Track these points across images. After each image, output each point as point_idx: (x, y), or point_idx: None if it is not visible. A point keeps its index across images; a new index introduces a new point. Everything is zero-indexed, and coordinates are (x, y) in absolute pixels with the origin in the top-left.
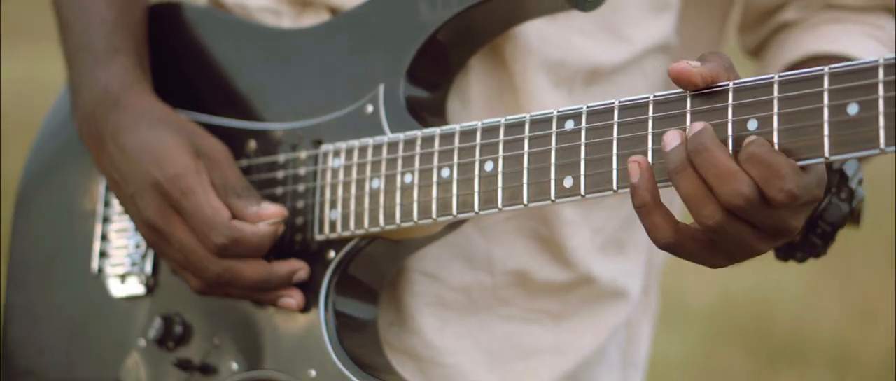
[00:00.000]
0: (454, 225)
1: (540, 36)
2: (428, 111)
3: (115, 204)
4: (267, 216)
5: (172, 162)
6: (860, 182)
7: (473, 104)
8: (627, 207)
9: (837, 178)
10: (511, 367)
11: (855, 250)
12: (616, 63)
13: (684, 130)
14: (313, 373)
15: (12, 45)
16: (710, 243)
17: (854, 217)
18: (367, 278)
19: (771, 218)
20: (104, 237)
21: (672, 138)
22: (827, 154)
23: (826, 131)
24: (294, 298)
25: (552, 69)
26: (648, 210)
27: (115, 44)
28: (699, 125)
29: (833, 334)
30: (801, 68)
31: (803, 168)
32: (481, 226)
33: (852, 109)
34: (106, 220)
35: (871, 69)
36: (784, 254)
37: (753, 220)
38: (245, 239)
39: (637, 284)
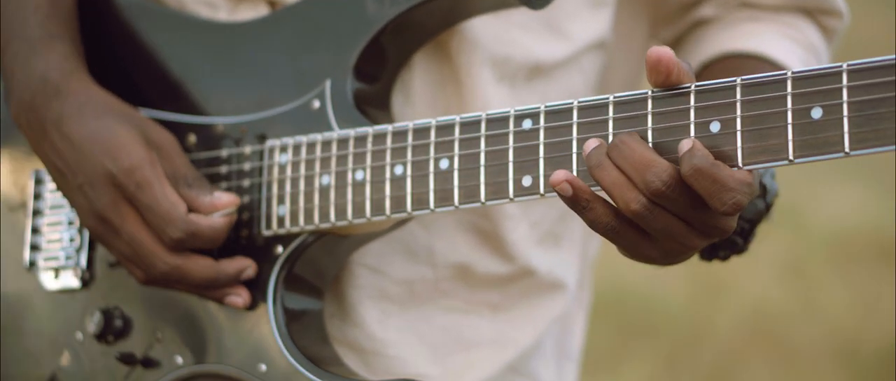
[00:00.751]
0: (401, 222)
1: (485, 31)
2: (372, 105)
3: (47, 197)
4: (221, 206)
5: (126, 154)
6: (773, 176)
7: (416, 98)
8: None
9: None
10: (452, 359)
11: None
12: (557, 59)
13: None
14: (263, 367)
15: None
16: (645, 232)
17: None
18: (314, 273)
19: (701, 215)
20: (36, 231)
21: (591, 142)
22: (791, 157)
23: (790, 134)
24: (241, 296)
25: (497, 64)
26: (590, 207)
27: (50, 31)
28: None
29: (682, 309)
30: (718, 65)
31: (750, 172)
32: (423, 220)
33: (816, 112)
34: (37, 213)
35: (834, 74)
36: (708, 255)
37: (678, 210)
38: (201, 233)
39: (573, 276)
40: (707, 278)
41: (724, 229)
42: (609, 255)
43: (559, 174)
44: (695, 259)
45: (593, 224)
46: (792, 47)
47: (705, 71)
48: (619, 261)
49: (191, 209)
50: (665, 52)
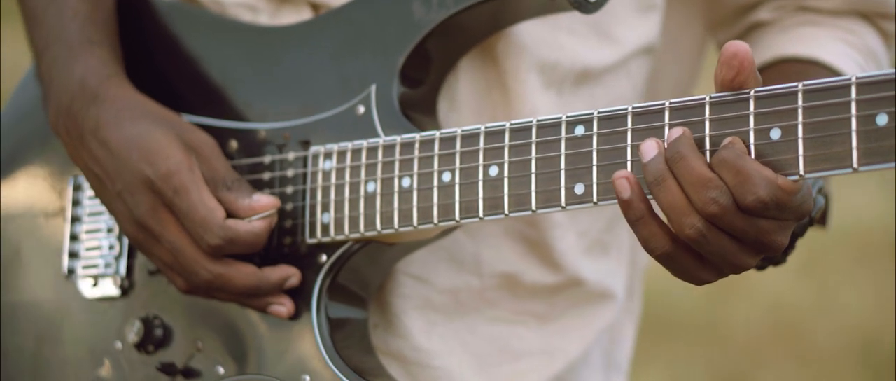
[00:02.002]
0: (448, 230)
1: (532, 36)
2: (418, 111)
3: (86, 204)
4: (261, 208)
5: (164, 158)
6: (820, 190)
7: (461, 104)
8: (611, 209)
9: None
10: (499, 370)
11: None
12: (605, 64)
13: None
14: (307, 378)
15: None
16: (700, 255)
17: (821, 220)
18: (358, 282)
19: (752, 229)
20: (74, 238)
21: (649, 149)
22: (855, 165)
23: (854, 142)
24: (285, 305)
25: (544, 70)
26: (645, 222)
27: (89, 36)
28: (677, 132)
29: (700, 308)
30: (772, 69)
31: (795, 182)
32: (469, 229)
33: (881, 119)
34: (76, 220)
35: None
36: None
37: (733, 230)
38: (240, 238)
39: (621, 285)
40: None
41: (772, 244)
42: None
43: (622, 172)
44: None
45: (646, 242)
46: (849, 52)
47: (760, 75)
48: None
49: (230, 213)
50: (743, 47)
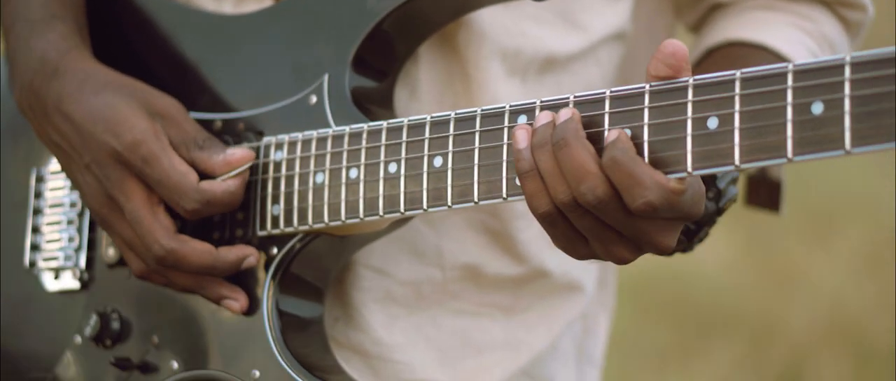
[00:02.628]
0: (402, 221)
1: (494, 23)
2: (374, 102)
3: (47, 195)
4: (236, 162)
5: (129, 128)
6: (733, 181)
7: (422, 93)
8: None
9: (706, 177)
10: (463, 363)
11: (774, 222)
12: (571, 52)
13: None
14: (256, 373)
15: None
16: (578, 231)
17: (773, 203)
18: (312, 275)
19: (631, 227)
20: (36, 230)
21: (543, 117)
22: (790, 155)
23: (789, 131)
24: (238, 300)
25: (506, 57)
26: (532, 176)
27: (52, 11)
28: (566, 113)
29: (757, 306)
30: (722, 52)
31: (680, 181)
32: (430, 220)
33: (817, 107)
34: (37, 212)
35: (836, 67)
36: None
37: (611, 222)
38: (216, 198)
39: (591, 277)
40: (781, 272)
41: (656, 245)
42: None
43: (523, 124)
44: (768, 251)
45: (530, 199)
46: (801, 38)
47: (708, 58)
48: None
49: (205, 171)
50: (681, 47)
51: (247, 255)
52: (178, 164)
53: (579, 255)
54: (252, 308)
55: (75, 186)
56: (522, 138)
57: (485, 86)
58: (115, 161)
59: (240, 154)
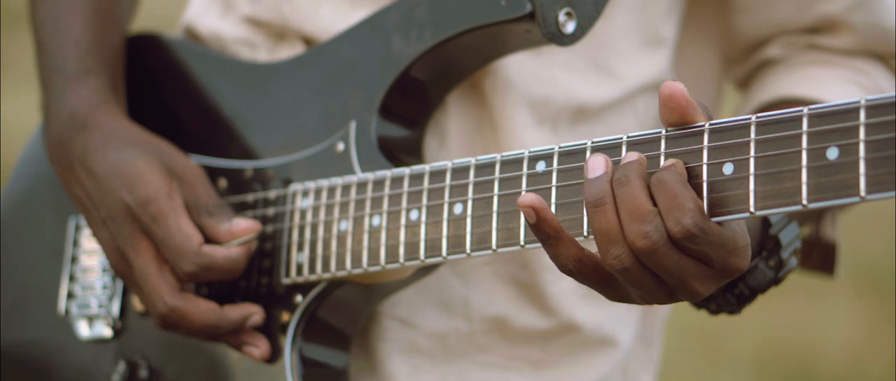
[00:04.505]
0: (427, 269)
1: (522, 71)
2: (402, 150)
3: (84, 244)
4: (239, 232)
5: (143, 184)
6: (795, 252)
7: (451, 141)
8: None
9: (771, 244)
10: None
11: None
12: (604, 101)
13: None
14: None
15: (13, 83)
16: (611, 280)
17: (827, 267)
18: (337, 323)
19: (677, 271)
20: (72, 278)
21: (596, 166)
22: (804, 202)
23: (804, 177)
24: (259, 347)
25: (535, 106)
26: (552, 243)
27: (86, 65)
28: (633, 156)
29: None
30: (777, 110)
31: (719, 223)
32: (458, 270)
33: (832, 153)
34: (73, 260)
35: (852, 111)
36: (700, 303)
37: (657, 268)
38: (216, 264)
39: (627, 331)
40: (868, 331)
41: (691, 291)
42: (762, 309)
43: (527, 197)
44: (849, 314)
45: (555, 260)
46: (857, 93)
47: None
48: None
49: (210, 238)
50: (678, 88)
51: (251, 313)
52: (185, 225)
53: (609, 297)
54: (275, 356)
55: (96, 239)
56: (598, 166)
57: (512, 134)
58: (127, 216)
59: (245, 225)
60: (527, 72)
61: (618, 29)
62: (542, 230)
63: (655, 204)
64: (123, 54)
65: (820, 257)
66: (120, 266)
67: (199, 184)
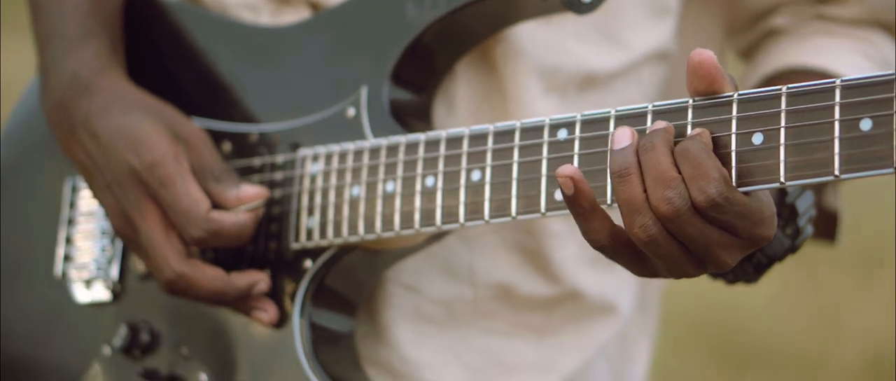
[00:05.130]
0: (437, 236)
1: (533, 39)
2: (412, 116)
3: (81, 206)
4: (247, 198)
5: (150, 148)
6: (810, 220)
7: (459, 109)
8: (618, 219)
9: (787, 212)
10: None
11: (822, 258)
12: (613, 69)
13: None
14: None
15: (12, 37)
16: (640, 254)
17: (830, 234)
18: (345, 289)
19: (702, 239)
20: (69, 241)
21: (623, 137)
22: (836, 172)
23: (837, 148)
24: (267, 311)
25: (545, 75)
26: (587, 216)
27: (87, 28)
28: (661, 124)
29: (803, 342)
30: (783, 79)
31: (746, 193)
32: (464, 237)
33: (865, 124)
34: (70, 222)
35: (886, 83)
36: (715, 274)
37: (682, 237)
38: (224, 230)
39: (628, 298)
40: (828, 309)
41: (718, 261)
42: (721, 288)
43: (567, 168)
44: (816, 287)
45: (587, 234)
46: (864, 64)
47: (770, 85)
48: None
49: (217, 204)
50: (708, 56)
51: (257, 280)
52: (193, 190)
53: (639, 273)
54: (283, 321)
55: (100, 203)
56: (625, 137)
57: (522, 102)
58: (133, 180)
59: (252, 192)
60: (538, 40)
61: None
62: (579, 203)
63: (680, 172)
64: (121, 17)
65: (822, 225)
66: (125, 230)
67: (205, 148)
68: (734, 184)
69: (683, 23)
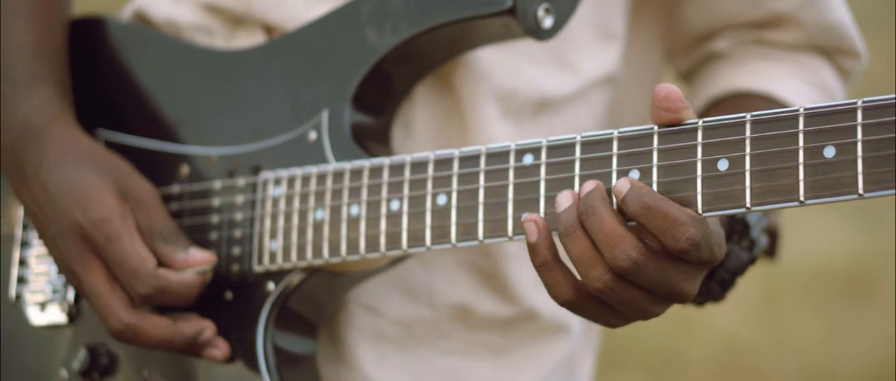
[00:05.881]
0: (399, 259)
1: (491, 64)
2: (372, 139)
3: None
4: (195, 263)
5: (97, 205)
6: (763, 230)
7: (417, 132)
8: None
9: (740, 226)
10: None
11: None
12: (565, 93)
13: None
14: None
15: None
16: (605, 304)
17: (771, 252)
18: (308, 311)
19: (663, 281)
20: (22, 263)
21: (563, 200)
22: (802, 198)
23: (801, 174)
24: (219, 348)
25: (502, 99)
26: (549, 268)
27: (35, 70)
28: (590, 185)
29: (653, 339)
30: (727, 102)
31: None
32: (422, 259)
33: (829, 151)
34: (24, 244)
35: (848, 111)
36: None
37: (643, 283)
38: (170, 288)
39: (578, 318)
40: (680, 310)
41: (682, 293)
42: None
43: (533, 215)
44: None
45: (551, 291)
46: (804, 88)
47: (714, 108)
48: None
49: (163, 265)
50: (673, 89)
51: (203, 328)
52: (140, 247)
53: (607, 323)
54: (246, 343)
55: (48, 251)
56: (565, 199)
57: (479, 127)
58: (77, 236)
59: (201, 257)
60: (496, 65)
61: (576, 22)
62: (540, 252)
63: (645, 225)
64: (67, 53)
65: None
66: (71, 280)
67: (155, 208)
68: (700, 211)
69: (628, 48)
